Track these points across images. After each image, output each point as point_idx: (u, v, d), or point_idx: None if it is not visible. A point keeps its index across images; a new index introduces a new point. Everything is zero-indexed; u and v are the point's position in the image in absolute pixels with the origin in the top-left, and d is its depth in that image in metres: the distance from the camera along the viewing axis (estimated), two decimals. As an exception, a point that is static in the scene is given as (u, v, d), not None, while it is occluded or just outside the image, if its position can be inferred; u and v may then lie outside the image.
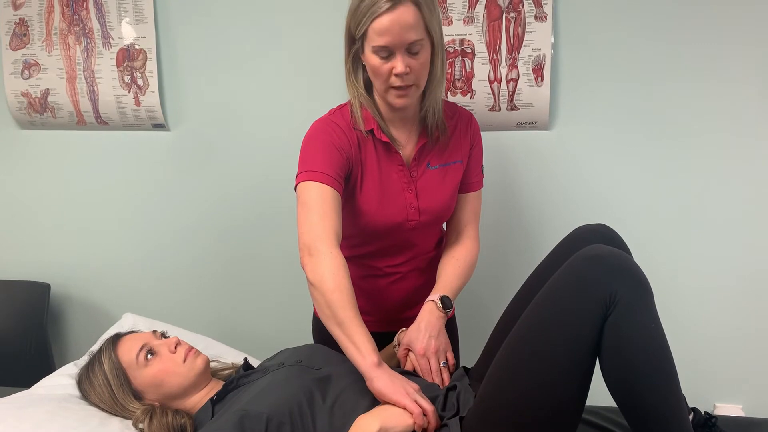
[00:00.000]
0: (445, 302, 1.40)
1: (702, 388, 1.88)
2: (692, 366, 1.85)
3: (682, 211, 1.81)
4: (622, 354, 1.06)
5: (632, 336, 1.05)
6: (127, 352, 1.30)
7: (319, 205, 1.28)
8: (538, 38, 1.76)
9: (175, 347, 1.32)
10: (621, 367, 1.07)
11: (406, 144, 1.42)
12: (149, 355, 1.29)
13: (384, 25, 1.22)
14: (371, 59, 1.28)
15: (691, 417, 1.30)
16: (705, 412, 1.33)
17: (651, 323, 1.06)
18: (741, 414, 1.85)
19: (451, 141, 1.45)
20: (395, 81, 1.28)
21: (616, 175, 1.83)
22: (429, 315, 1.38)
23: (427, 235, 1.50)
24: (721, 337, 1.85)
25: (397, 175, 1.41)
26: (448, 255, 1.49)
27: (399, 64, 1.25)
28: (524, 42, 1.77)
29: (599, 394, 1.19)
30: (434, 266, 1.51)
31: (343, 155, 1.35)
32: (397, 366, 1.45)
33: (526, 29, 1.76)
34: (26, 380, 1.58)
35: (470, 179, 1.51)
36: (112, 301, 2.16)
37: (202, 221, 2.07)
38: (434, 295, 1.41)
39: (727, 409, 1.86)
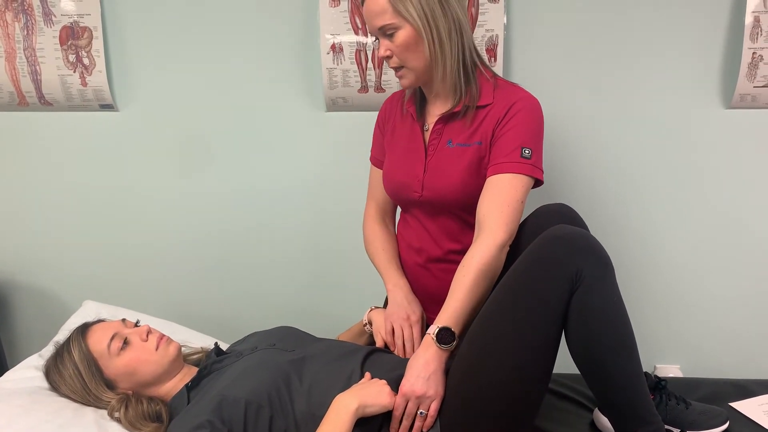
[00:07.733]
0: (443, 337, 1.24)
1: (643, 350, 1.98)
2: (635, 330, 1.96)
3: (623, 182, 1.89)
4: (588, 324, 1.14)
5: (597, 308, 1.13)
6: (98, 342, 1.29)
7: (372, 186, 1.63)
8: (491, 19, 1.79)
9: (147, 335, 1.32)
10: (586, 337, 1.15)
11: (433, 120, 1.45)
12: (122, 345, 1.28)
13: (365, 16, 1.35)
14: None
15: (643, 380, 1.40)
16: (655, 375, 1.44)
17: (613, 296, 1.15)
18: (679, 374, 1.98)
19: (484, 122, 1.38)
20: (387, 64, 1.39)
21: (569, 154, 1.88)
22: (425, 351, 1.24)
23: (437, 219, 1.46)
24: (662, 303, 1.96)
25: (415, 144, 1.46)
26: (464, 259, 1.31)
27: (380, 48, 1.36)
28: (478, 23, 1.80)
29: (562, 363, 1.26)
30: (450, 273, 1.33)
31: (379, 126, 1.59)
32: (371, 344, 1.50)
33: (480, 10, 1.79)
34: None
35: (496, 159, 1.35)
36: (63, 288, 2.09)
37: (155, 202, 2.03)
38: (434, 326, 1.26)
39: (667, 369, 1.99)
